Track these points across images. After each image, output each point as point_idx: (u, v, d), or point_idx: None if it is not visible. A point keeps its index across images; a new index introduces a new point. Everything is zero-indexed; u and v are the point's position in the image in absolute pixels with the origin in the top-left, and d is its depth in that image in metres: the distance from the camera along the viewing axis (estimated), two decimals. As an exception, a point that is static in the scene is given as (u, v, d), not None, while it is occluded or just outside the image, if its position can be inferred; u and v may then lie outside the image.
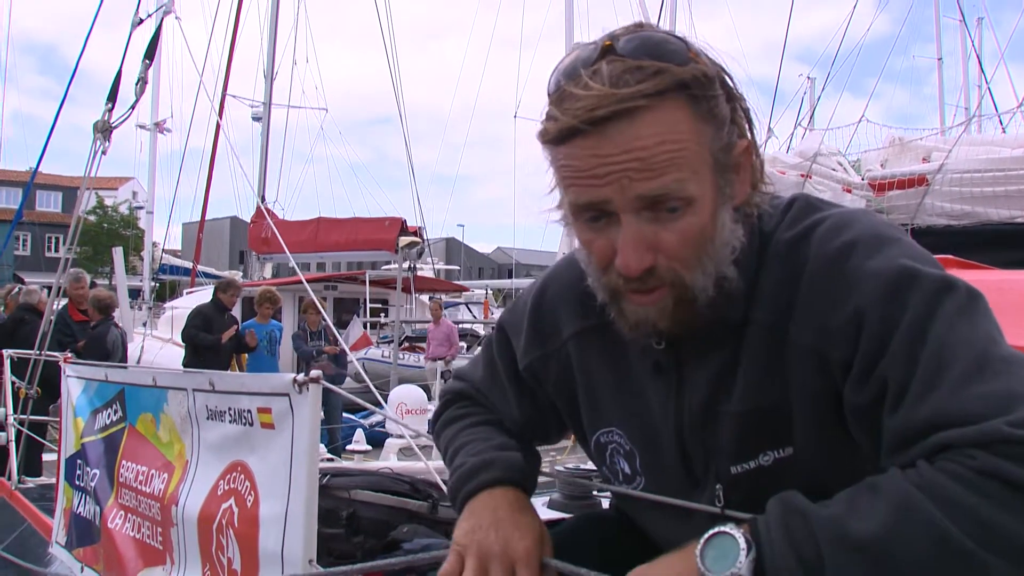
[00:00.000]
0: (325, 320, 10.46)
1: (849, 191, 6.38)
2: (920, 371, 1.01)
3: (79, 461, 3.75)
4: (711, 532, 1.04)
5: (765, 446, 1.21)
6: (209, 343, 9.73)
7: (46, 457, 7.25)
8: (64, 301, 9.02)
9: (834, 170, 6.63)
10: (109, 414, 3.49)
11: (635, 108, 1.05)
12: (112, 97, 4.98)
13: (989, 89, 17.88)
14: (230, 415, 2.46)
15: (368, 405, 2.80)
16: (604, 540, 1.49)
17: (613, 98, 1.05)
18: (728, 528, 1.03)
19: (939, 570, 0.91)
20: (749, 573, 0.99)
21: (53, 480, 4.52)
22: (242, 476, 2.38)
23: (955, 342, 1.02)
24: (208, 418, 2.61)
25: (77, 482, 3.75)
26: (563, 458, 7.60)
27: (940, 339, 1.02)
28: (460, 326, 20.48)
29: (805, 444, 1.18)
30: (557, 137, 1.10)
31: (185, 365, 9.79)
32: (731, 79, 1.16)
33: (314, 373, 2.07)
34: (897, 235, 1.16)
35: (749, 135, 1.19)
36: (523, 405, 1.49)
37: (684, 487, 1.30)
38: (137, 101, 4.87)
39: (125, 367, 3.58)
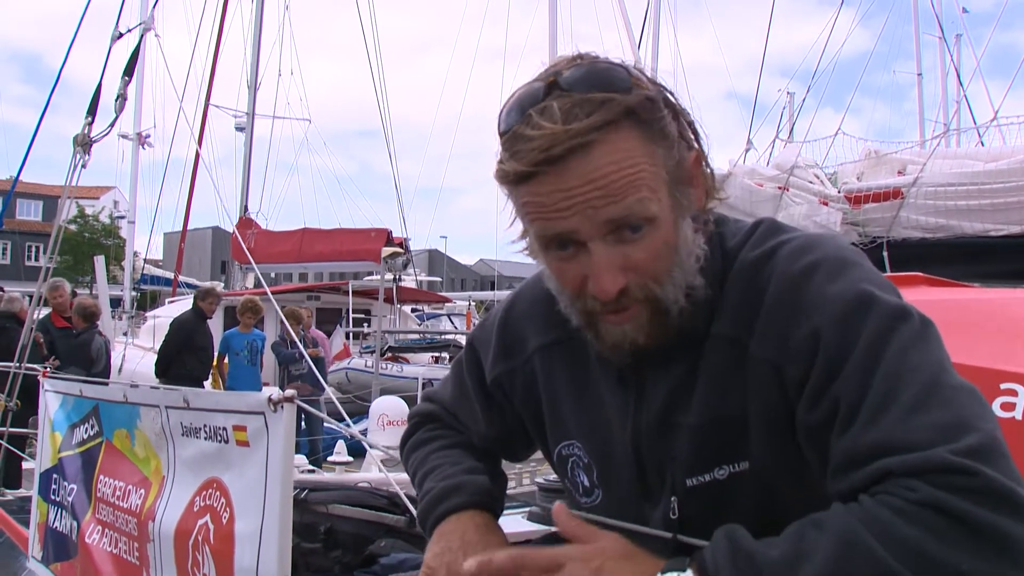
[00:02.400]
0: (284, 332, 10.43)
1: (826, 203, 6.44)
2: (870, 396, 1.04)
3: (55, 476, 3.74)
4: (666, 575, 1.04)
5: (721, 460, 1.22)
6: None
7: (27, 467, 7.21)
8: (46, 311, 8.97)
9: (811, 182, 6.69)
10: (86, 428, 3.49)
11: (589, 142, 1.08)
12: (92, 111, 4.97)
13: (967, 99, 18.06)
14: (205, 432, 2.47)
15: (340, 427, 2.81)
16: None
17: (567, 134, 1.08)
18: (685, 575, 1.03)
19: None
20: None
21: (31, 493, 4.50)
22: (218, 493, 2.39)
23: (906, 369, 1.04)
24: (184, 434, 2.62)
25: (52, 496, 3.73)
26: (543, 470, 7.61)
27: (892, 365, 1.05)
28: (443, 336, 20.47)
29: (760, 459, 1.20)
30: (516, 179, 1.12)
31: (157, 375, 9.77)
32: (673, 96, 1.19)
33: (288, 392, 2.08)
34: (859, 260, 1.19)
35: (697, 145, 1.23)
36: (492, 421, 1.51)
37: (640, 500, 1.31)
38: (117, 117, 4.88)
39: (101, 382, 3.58)
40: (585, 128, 1.08)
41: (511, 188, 1.16)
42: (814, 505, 1.04)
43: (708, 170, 1.25)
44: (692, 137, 1.22)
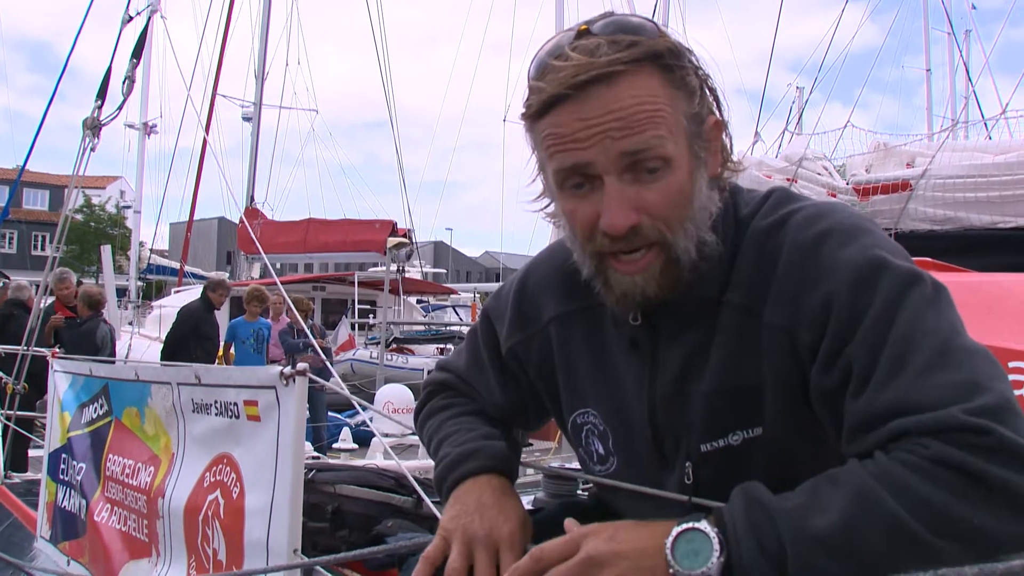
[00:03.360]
0: (293, 320, 10.43)
1: (834, 195, 6.42)
2: (884, 358, 1.05)
3: (64, 455, 3.76)
4: (683, 527, 1.05)
5: (735, 425, 1.24)
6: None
7: (32, 453, 7.23)
8: (51, 300, 9.00)
9: (819, 174, 6.69)
10: (95, 408, 3.50)
11: (613, 73, 1.13)
12: (101, 95, 4.98)
13: (975, 95, 17.99)
14: (216, 408, 2.48)
15: (355, 401, 2.82)
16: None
17: (592, 65, 1.12)
18: (701, 525, 1.05)
19: (896, 557, 0.94)
20: (718, 572, 1.01)
21: (39, 475, 4.52)
22: (228, 468, 2.41)
23: (920, 332, 1.05)
24: (194, 411, 2.63)
25: (61, 476, 3.75)
26: (548, 459, 7.62)
27: (905, 328, 1.06)
28: (448, 328, 20.48)
29: (774, 425, 1.21)
30: (541, 107, 1.16)
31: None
32: (697, 59, 1.22)
33: (300, 366, 2.09)
34: (870, 227, 1.21)
35: (718, 114, 1.25)
36: (507, 391, 1.52)
37: (655, 466, 1.33)
38: (125, 99, 4.88)
39: (111, 361, 3.59)
40: (610, 61, 1.13)
41: (535, 123, 1.19)
42: (828, 470, 1.05)
43: (727, 139, 1.27)
44: (713, 103, 1.24)
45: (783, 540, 0.99)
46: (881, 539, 0.95)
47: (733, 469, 1.20)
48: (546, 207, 1.30)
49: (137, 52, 5.12)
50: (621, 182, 1.14)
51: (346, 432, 8.13)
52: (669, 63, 1.16)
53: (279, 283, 7.18)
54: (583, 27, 1.18)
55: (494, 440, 1.44)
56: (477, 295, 29.78)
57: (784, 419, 1.20)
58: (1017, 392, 1.86)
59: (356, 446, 8.04)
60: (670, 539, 1.05)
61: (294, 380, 2.09)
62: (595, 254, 1.21)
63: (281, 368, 2.10)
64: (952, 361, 1.03)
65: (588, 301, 1.32)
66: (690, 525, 1.05)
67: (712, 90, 1.24)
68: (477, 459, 1.39)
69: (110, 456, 3.26)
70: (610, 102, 1.13)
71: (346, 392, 2.81)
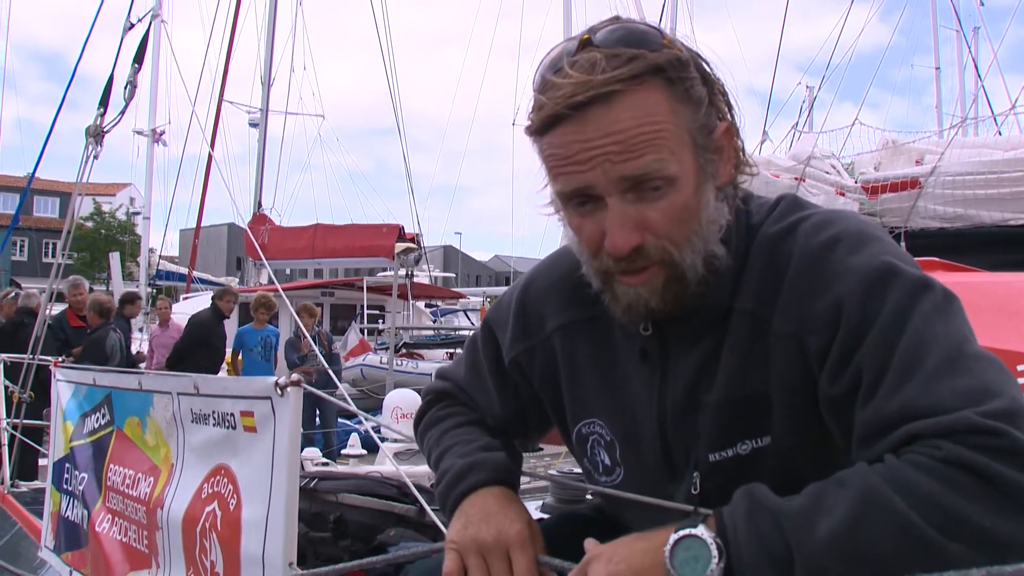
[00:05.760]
0: (297, 328, 10.44)
1: (842, 194, 6.39)
2: (894, 365, 1.03)
3: (67, 465, 3.75)
4: (681, 533, 1.05)
5: (744, 435, 1.23)
6: None
7: (43, 461, 7.24)
8: (62, 307, 9.03)
9: (828, 173, 6.64)
10: (97, 418, 3.49)
11: (612, 93, 1.10)
12: (104, 102, 4.99)
13: (985, 92, 17.92)
14: (214, 418, 2.45)
15: (362, 415, 2.80)
16: (585, 536, 1.51)
17: (590, 84, 1.10)
18: (699, 531, 1.04)
19: (903, 558, 0.92)
20: None
21: (45, 484, 4.52)
22: (225, 479, 2.38)
23: (930, 338, 1.04)
24: (193, 421, 2.61)
25: (65, 486, 3.74)
26: (558, 463, 7.60)
27: (916, 334, 1.05)
28: (457, 332, 20.47)
29: (782, 434, 1.20)
30: (541, 126, 1.15)
31: (168, 368, 9.86)
32: (707, 64, 1.20)
33: (295, 377, 2.07)
34: (879, 234, 1.20)
35: (729, 117, 1.23)
36: (506, 402, 1.50)
37: (663, 476, 1.31)
38: (127, 106, 4.88)
39: (115, 370, 3.59)
40: (608, 79, 1.10)
41: (538, 140, 1.18)
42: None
43: (739, 143, 1.25)
44: (724, 108, 1.22)
45: (788, 543, 0.97)
46: (889, 540, 0.93)
47: (741, 478, 1.19)
48: (557, 211, 1.28)
49: (138, 58, 5.12)
50: (624, 202, 1.13)
51: (355, 438, 8.12)
52: (672, 76, 1.13)
53: (281, 290, 7.19)
54: (585, 36, 1.15)
55: (494, 451, 1.42)
56: (487, 299, 29.79)
57: (793, 428, 1.19)
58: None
59: (365, 452, 8.03)
60: (668, 548, 1.04)
61: (289, 391, 2.06)
62: (601, 271, 1.21)
63: (276, 379, 2.08)
64: (962, 367, 1.01)
65: (593, 311, 1.31)
66: (687, 532, 1.04)
67: (723, 95, 1.21)
68: (478, 472, 1.38)
69: (111, 466, 3.24)
70: (608, 124, 1.10)
71: (353, 407, 2.79)
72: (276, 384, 2.10)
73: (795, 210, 1.25)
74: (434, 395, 1.62)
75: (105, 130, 4.71)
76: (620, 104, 1.10)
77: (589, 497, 2.91)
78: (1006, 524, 0.91)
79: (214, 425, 2.48)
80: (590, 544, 1.15)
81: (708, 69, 1.19)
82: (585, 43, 1.14)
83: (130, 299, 11.00)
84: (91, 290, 11.03)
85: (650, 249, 1.15)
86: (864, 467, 1.00)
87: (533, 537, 1.28)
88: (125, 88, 4.76)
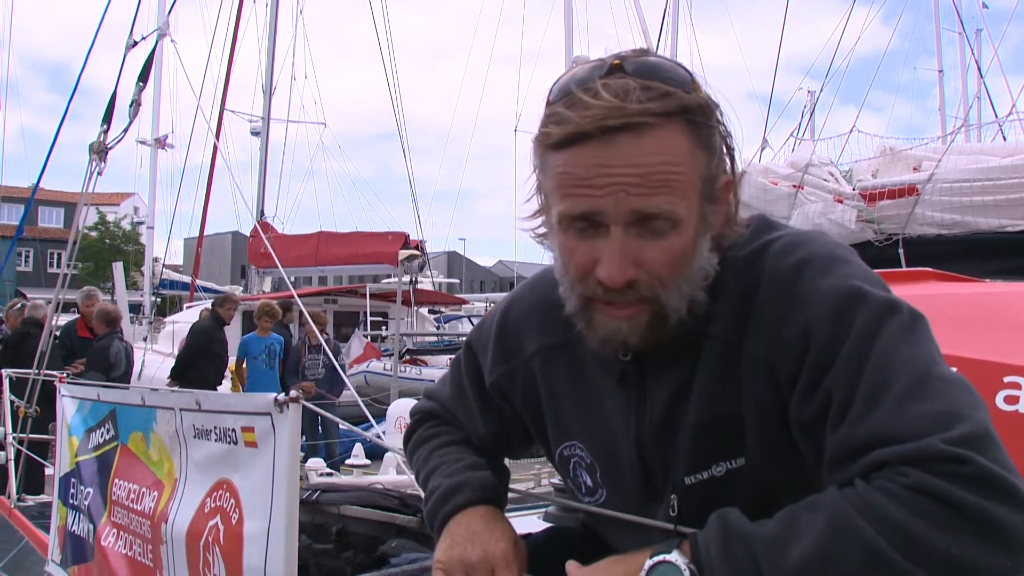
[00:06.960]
0: (310, 335, 10.41)
1: (840, 201, 6.38)
2: (862, 389, 1.05)
3: (73, 479, 3.78)
4: (656, 559, 1.07)
5: (718, 457, 1.24)
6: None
7: (49, 473, 7.25)
8: (67, 317, 9.03)
9: (826, 180, 6.64)
10: (102, 433, 3.52)
11: (644, 124, 1.09)
12: (107, 118, 5.01)
13: (988, 92, 17.89)
14: (216, 434, 2.49)
15: (355, 430, 2.83)
16: (571, 552, 1.53)
17: (624, 111, 1.09)
18: (673, 557, 1.06)
19: None
20: None
21: (51, 498, 4.54)
22: (227, 494, 2.42)
23: (897, 362, 1.05)
24: (195, 436, 2.64)
25: (71, 500, 3.78)
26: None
27: (882, 358, 1.06)
28: (461, 338, 20.42)
29: (755, 455, 1.21)
30: (562, 140, 1.12)
31: (172, 378, 9.86)
32: (722, 115, 1.20)
33: (293, 393, 2.10)
34: (848, 256, 1.20)
35: (731, 173, 1.23)
36: (489, 422, 1.53)
37: (643, 499, 1.33)
38: (131, 123, 4.92)
39: (119, 387, 3.61)
40: (642, 110, 1.09)
41: (550, 154, 1.16)
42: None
43: (734, 199, 1.25)
44: (729, 162, 1.22)
45: (760, 568, 0.99)
46: (858, 566, 0.95)
47: (717, 500, 1.20)
48: (537, 227, 1.28)
49: (143, 76, 5.15)
50: (627, 235, 1.12)
51: (358, 447, 8.12)
52: (698, 120, 1.13)
53: (296, 295, 7.19)
54: (616, 62, 1.13)
55: (479, 470, 1.45)
56: (490, 305, 29.77)
57: (765, 450, 1.20)
58: (1012, 408, 1.85)
59: (369, 461, 8.03)
60: (643, 573, 1.06)
61: (288, 407, 2.10)
62: (584, 296, 1.20)
63: (275, 396, 2.11)
64: (930, 391, 1.03)
65: (571, 335, 1.30)
66: (661, 558, 1.06)
67: (731, 149, 1.22)
68: (464, 492, 1.40)
69: (116, 481, 3.27)
70: (635, 155, 1.09)
71: (347, 424, 2.81)
72: (276, 400, 2.14)
73: (764, 232, 1.26)
74: (421, 415, 1.65)
75: (109, 147, 4.75)
76: (649, 137, 1.09)
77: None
78: (973, 551, 0.93)
79: (216, 440, 2.52)
80: (571, 567, 1.17)
81: (723, 120, 1.19)
82: (616, 68, 1.13)
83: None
84: (97, 300, 11.04)
85: (642, 286, 1.15)
86: (835, 492, 1.01)
87: (518, 556, 1.31)
88: (130, 106, 4.80)
